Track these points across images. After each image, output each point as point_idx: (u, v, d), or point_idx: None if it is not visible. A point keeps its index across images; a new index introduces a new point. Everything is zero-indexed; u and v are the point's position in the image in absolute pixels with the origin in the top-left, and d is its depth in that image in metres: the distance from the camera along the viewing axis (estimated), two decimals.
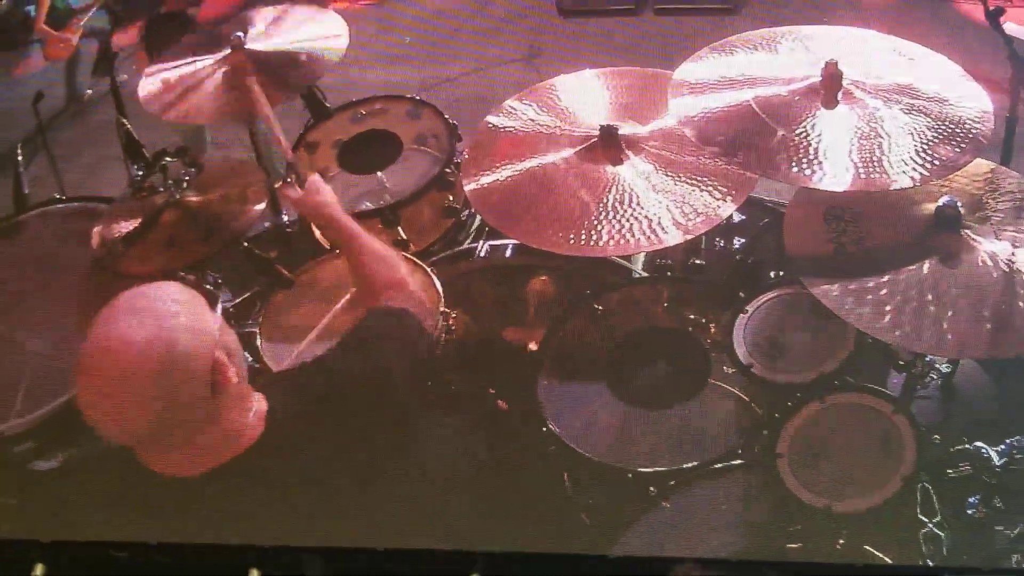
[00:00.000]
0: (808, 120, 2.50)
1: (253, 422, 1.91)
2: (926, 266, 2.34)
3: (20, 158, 3.62)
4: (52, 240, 3.18)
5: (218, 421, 1.86)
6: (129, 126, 3.35)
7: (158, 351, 1.74)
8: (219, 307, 1.90)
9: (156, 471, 1.87)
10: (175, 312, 1.79)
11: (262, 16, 3.48)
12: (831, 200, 2.48)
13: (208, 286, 2.06)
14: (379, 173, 3.30)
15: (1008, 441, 2.57)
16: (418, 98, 3.44)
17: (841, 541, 2.42)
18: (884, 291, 2.30)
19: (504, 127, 2.92)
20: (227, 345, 1.87)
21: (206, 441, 1.86)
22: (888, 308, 2.27)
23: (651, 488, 2.47)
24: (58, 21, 6.11)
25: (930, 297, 2.28)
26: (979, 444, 2.57)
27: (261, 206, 2.85)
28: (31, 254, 3.15)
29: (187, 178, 2.83)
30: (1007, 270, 2.32)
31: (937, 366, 2.85)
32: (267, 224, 3.70)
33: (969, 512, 2.50)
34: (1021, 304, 2.26)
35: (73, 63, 6.14)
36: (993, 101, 2.51)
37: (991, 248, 2.36)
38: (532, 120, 2.92)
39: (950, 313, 2.25)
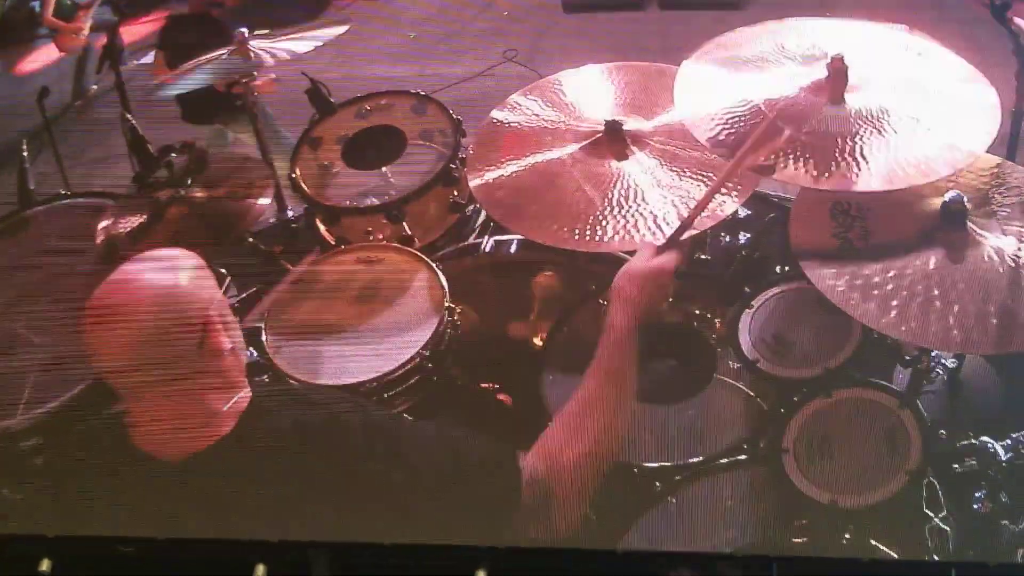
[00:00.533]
0: (814, 117, 2.49)
1: (227, 412, 1.94)
2: (932, 261, 2.33)
3: (25, 154, 3.63)
4: (57, 236, 3.19)
5: (197, 383, 1.92)
6: (134, 122, 3.36)
7: (159, 286, 1.90)
8: (224, 286, 1.98)
9: (131, 429, 1.93)
10: (186, 267, 1.96)
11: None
12: (837, 195, 2.47)
13: (221, 270, 2.17)
14: (384, 168, 3.30)
15: (1014, 436, 2.56)
16: (422, 93, 3.44)
17: (847, 536, 2.42)
18: (890, 286, 2.30)
19: (509, 122, 2.92)
20: (225, 318, 1.98)
21: (180, 404, 1.91)
22: (894, 303, 2.27)
23: (657, 483, 2.47)
24: (64, 16, 6.12)
25: (936, 292, 2.27)
26: (985, 439, 2.56)
27: (266, 201, 2.86)
28: (37, 250, 3.16)
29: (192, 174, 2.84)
30: (1013, 265, 2.31)
31: (943, 361, 2.85)
32: (272, 220, 3.70)
33: (975, 507, 2.50)
34: None
35: (81, 59, 6.14)
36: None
37: (997, 243, 2.36)
38: (537, 115, 2.92)
39: (956, 308, 2.25)
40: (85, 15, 6.10)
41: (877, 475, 2.43)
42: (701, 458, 2.48)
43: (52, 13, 6.08)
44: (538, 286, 2.94)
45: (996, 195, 2.48)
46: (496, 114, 2.95)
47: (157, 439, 1.92)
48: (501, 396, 2.78)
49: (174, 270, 1.94)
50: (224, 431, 1.94)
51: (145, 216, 2.88)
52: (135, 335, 1.86)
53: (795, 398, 2.47)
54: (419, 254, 2.86)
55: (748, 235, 3.15)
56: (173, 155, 2.91)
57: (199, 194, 2.87)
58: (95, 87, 6.05)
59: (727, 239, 3.13)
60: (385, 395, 2.54)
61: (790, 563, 2.00)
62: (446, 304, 2.66)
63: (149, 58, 5.12)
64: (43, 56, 6.32)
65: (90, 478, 2.02)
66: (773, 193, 3.19)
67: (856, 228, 2.43)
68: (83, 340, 1.91)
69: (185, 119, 4.40)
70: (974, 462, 2.54)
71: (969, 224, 2.38)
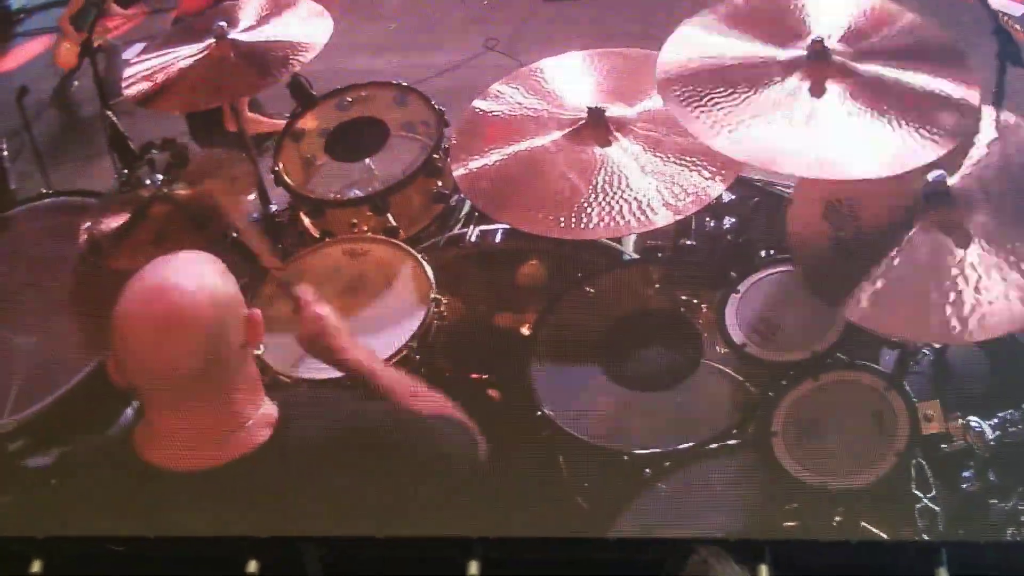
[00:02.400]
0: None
1: (259, 420, 1.91)
2: (925, 251, 2.32)
3: (6, 153, 3.60)
4: (40, 236, 3.17)
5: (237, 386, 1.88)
6: (115, 119, 3.33)
7: (210, 290, 1.82)
8: None
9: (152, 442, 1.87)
10: (215, 267, 1.88)
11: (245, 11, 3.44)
12: (829, 193, 2.45)
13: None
14: (367, 160, 3.29)
15: (1001, 415, 2.57)
16: (404, 84, 3.42)
17: (837, 518, 2.43)
18: (884, 281, 2.29)
19: (491, 111, 2.91)
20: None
21: (208, 415, 1.86)
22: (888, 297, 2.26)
23: (646, 470, 2.47)
24: (80, 26, 5.96)
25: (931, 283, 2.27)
26: (972, 418, 2.57)
27: (250, 197, 2.84)
28: (19, 250, 3.14)
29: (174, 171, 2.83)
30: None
31: None
32: (255, 215, 3.68)
33: (963, 486, 2.51)
34: None
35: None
36: None
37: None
38: (519, 104, 2.91)
39: (951, 296, 2.24)
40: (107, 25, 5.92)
41: (866, 457, 2.44)
42: (690, 444, 2.48)
43: (70, 19, 5.87)
44: (524, 275, 2.93)
45: None
46: (478, 103, 2.94)
47: (179, 451, 1.86)
48: (490, 391, 2.77)
49: (206, 271, 1.86)
50: (255, 444, 1.90)
51: (128, 214, 2.86)
52: (193, 340, 1.78)
53: (783, 382, 2.48)
54: (404, 245, 2.85)
55: (733, 220, 3.15)
56: (154, 152, 2.89)
57: (182, 191, 2.85)
58: (76, 84, 5.99)
59: (712, 224, 3.13)
60: None
61: (781, 546, 2.00)
62: (432, 295, 2.66)
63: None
64: (21, 55, 6.25)
65: (79, 479, 2.01)
66: (758, 178, 3.19)
67: (849, 227, 2.41)
68: (122, 350, 1.79)
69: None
70: (962, 442, 2.55)
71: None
